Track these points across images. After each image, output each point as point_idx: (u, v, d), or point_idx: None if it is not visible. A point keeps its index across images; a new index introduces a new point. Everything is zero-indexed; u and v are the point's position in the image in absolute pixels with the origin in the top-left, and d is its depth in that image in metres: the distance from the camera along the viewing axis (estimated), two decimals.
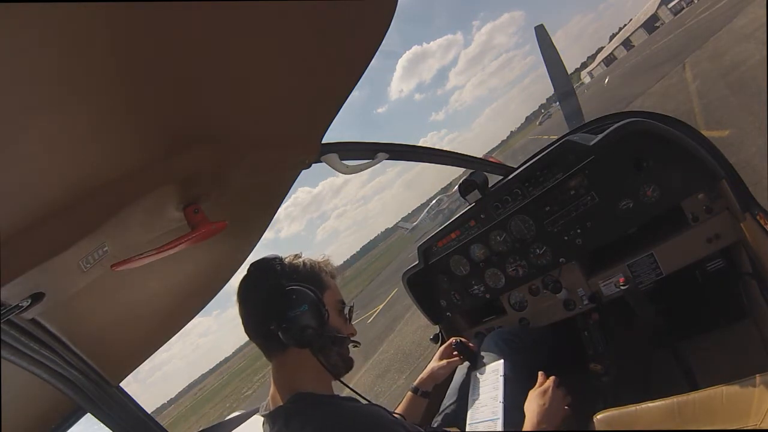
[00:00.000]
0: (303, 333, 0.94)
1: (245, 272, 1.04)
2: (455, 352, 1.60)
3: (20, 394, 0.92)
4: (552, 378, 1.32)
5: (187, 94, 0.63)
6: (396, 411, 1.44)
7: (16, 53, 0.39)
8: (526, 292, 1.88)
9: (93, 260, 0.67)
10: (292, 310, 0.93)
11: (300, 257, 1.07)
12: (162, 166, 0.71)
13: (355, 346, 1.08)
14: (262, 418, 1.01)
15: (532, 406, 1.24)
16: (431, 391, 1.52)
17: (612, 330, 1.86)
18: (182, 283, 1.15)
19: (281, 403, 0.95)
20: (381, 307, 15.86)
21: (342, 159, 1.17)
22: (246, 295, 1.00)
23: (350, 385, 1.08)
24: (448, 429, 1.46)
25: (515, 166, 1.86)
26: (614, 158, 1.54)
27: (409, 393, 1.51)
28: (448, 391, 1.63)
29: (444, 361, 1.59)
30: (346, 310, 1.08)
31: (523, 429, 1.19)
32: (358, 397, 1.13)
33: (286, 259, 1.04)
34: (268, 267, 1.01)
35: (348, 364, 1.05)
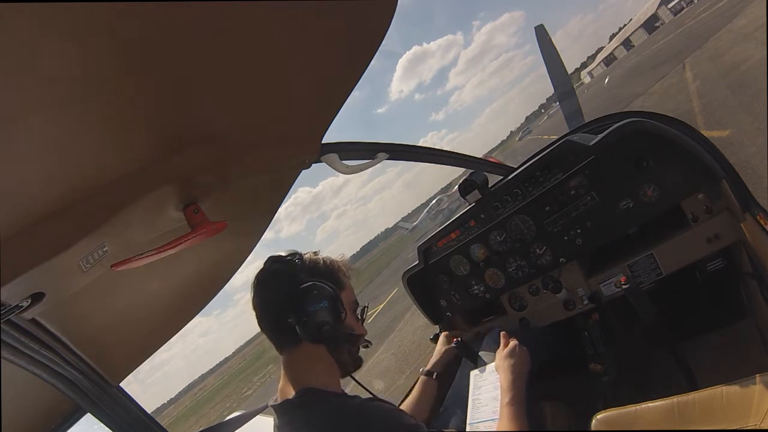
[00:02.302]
0: (320, 329, 0.95)
1: (264, 264, 1.04)
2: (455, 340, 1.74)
3: (20, 394, 0.92)
4: (513, 338, 1.43)
5: (187, 95, 0.63)
6: (411, 395, 1.58)
7: (16, 53, 0.39)
8: (526, 292, 1.88)
9: (93, 260, 0.67)
10: (311, 305, 0.94)
11: (318, 254, 1.08)
12: (162, 166, 0.71)
13: (366, 347, 1.10)
14: (265, 417, 1.01)
15: (504, 365, 1.33)
16: (441, 373, 1.65)
17: (612, 330, 1.86)
18: (182, 283, 1.15)
19: (289, 397, 0.96)
20: (381, 307, 15.86)
21: (342, 159, 1.17)
22: (264, 286, 1.01)
23: (361, 382, 1.10)
24: (448, 430, 1.46)
25: (515, 166, 1.86)
26: (614, 158, 1.54)
27: (423, 377, 1.63)
28: (449, 391, 1.63)
29: (447, 345, 1.77)
30: (359, 311, 1.10)
31: (501, 387, 1.27)
32: (368, 394, 1.14)
33: (306, 255, 1.05)
34: (288, 261, 1.02)
35: (357, 363, 1.07)
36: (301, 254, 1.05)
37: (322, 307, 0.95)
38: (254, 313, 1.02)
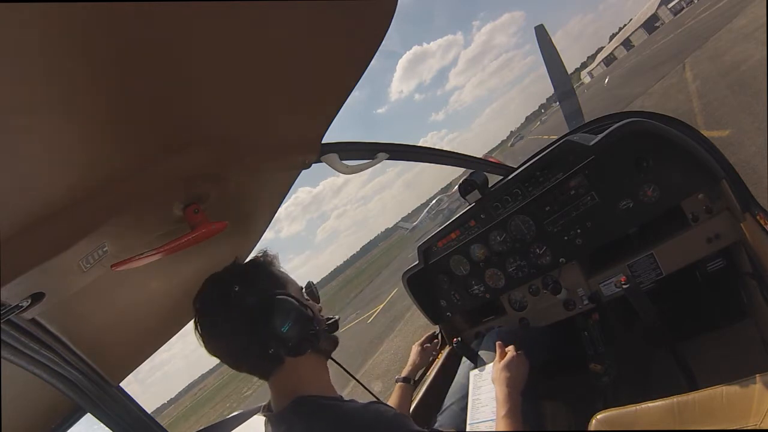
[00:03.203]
0: (307, 339, 0.93)
1: (204, 308, 0.92)
2: (435, 341, 1.81)
3: (20, 394, 0.92)
4: (512, 347, 1.39)
5: (187, 95, 0.63)
6: (389, 403, 1.54)
7: (16, 53, 0.39)
8: (526, 292, 1.88)
9: (93, 260, 0.67)
10: (285, 323, 0.89)
11: (239, 262, 1.01)
12: (162, 166, 0.71)
13: (336, 329, 1.07)
14: (262, 416, 1.00)
15: (500, 378, 1.30)
16: (417, 379, 1.75)
17: (612, 330, 1.86)
18: (182, 283, 1.15)
19: (283, 407, 0.93)
20: (381, 307, 15.87)
21: (342, 159, 1.17)
22: (223, 326, 0.90)
23: (360, 380, 1.09)
24: (448, 430, 1.46)
25: (515, 166, 1.86)
26: (614, 158, 1.54)
27: (401, 384, 1.66)
28: (449, 391, 1.63)
29: (420, 348, 1.85)
30: (308, 293, 1.06)
31: (497, 399, 1.25)
32: (369, 396, 1.12)
33: (234, 273, 0.96)
34: (228, 292, 0.91)
35: (336, 341, 1.05)
36: (229, 274, 0.96)
37: (296, 319, 0.91)
38: (219, 357, 0.93)
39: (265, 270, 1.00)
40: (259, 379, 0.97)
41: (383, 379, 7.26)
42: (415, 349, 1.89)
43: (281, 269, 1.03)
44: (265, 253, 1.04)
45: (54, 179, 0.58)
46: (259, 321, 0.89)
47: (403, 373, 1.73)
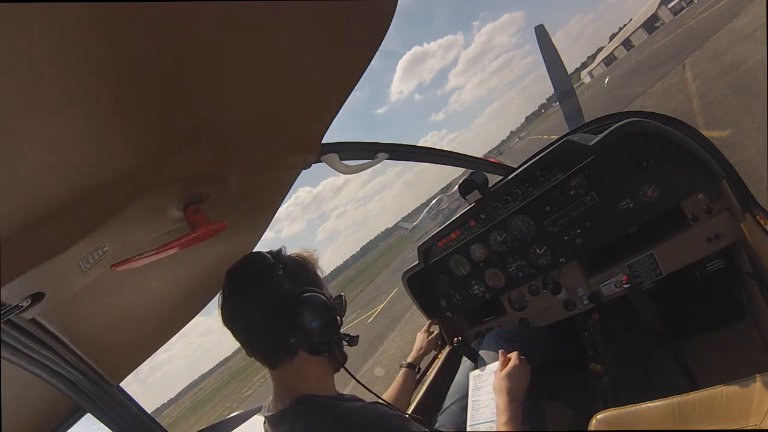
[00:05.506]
0: (327, 342, 0.93)
1: (239, 280, 0.94)
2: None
3: (20, 394, 0.92)
4: (515, 354, 1.36)
5: (187, 94, 0.63)
6: (392, 387, 1.63)
7: (16, 53, 0.39)
8: (526, 292, 1.88)
9: (93, 260, 0.67)
10: (313, 320, 0.90)
11: (285, 252, 1.01)
12: (162, 166, 0.71)
13: (353, 344, 1.06)
14: (262, 417, 0.99)
15: (501, 386, 1.28)
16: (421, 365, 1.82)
17: (612, 330, 1.86)
18: (182, 283, 1.15)
19: (284, 406, 0.93)
20: (381, 307, 15.87)
21: (342, 159, 1.17)
22: (252, 302, 0.91)
23: (360, 379, 1.09)
24: (448, 430, 1.46)
25: (515, 166, 1.86)
26: (614, 158, 1.54)
27: (406, 369, 1.70)
28: (449, 391, 1.63)
29: (426, 335, 1.93)
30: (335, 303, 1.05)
31: (498, 407, 1.23)
32: (368, 393, 1.13)
33: (279, 259, 0.97)
34: (267, 272, 0.92)
35: (345, 356, 1.05)
36: (274, 260, 0.96)
37: (326, 320, 0.92)
38: (235, 331, 0.93)
39: (310, 267, 1.01)
40: (265, 366, 0.97)
41: (383, 379, 7.26)
42: (420, 336, 1.93)
43: (321, 272, 1.05)
44: (310, 253, 1.05)
45: (54, 179, 0.58)
46: (290, 309, 0.90)
47: (409, 359, 1.76)
